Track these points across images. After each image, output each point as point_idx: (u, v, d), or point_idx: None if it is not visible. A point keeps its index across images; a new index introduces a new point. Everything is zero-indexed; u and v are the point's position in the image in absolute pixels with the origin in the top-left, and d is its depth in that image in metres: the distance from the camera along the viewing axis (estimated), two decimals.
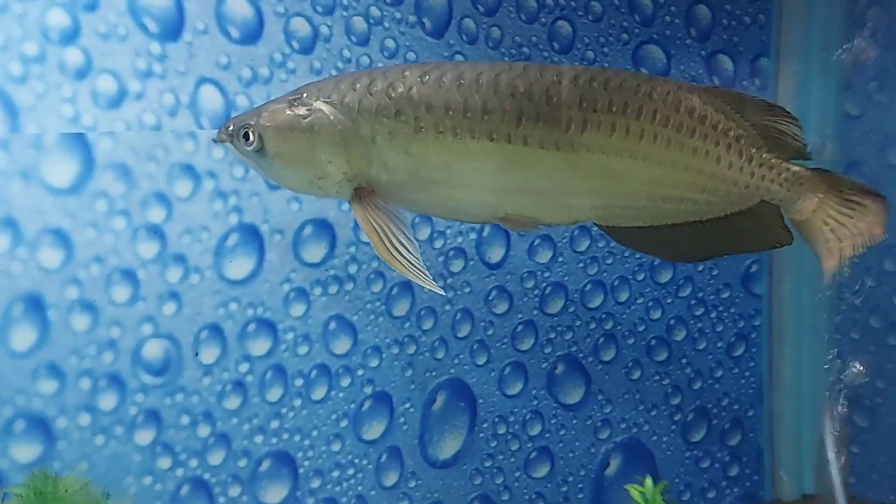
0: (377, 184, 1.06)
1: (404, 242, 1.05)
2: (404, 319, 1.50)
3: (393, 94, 1.04)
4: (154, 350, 1.28)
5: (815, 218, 1.11)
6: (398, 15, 1.46)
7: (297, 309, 1.40)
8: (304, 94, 1.06)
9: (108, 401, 1.24)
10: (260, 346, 1.37)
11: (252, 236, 1.35)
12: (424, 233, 1.51)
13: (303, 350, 1.41)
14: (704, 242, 1.13)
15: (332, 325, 1.44)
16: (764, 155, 1.10)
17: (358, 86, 1.05)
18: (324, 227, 1.42)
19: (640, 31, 1.63)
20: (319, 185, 1.07)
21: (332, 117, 1.04)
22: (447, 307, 1.53)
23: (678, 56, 1.66)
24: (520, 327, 1.58)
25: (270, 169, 1.07)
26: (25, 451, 1.17)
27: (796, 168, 1.11)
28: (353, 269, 1.46)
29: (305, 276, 1.41)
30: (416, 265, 1.05)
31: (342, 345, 1.44)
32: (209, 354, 1.32)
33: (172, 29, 1.27)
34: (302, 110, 1.05)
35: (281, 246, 1.38)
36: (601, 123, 1.04)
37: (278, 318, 1.38)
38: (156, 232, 1.27)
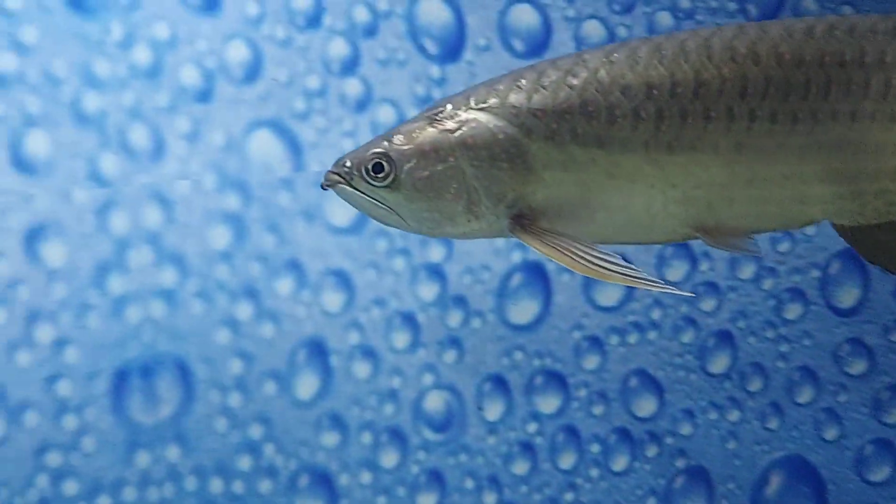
0: (545, 207, 0.94)
1: (602, 254, 0.91)
2: (723, 378, 1.42)
3: (574, 82, 0.91)
4: (435, 402, 1.32)
5: None
6: (714, 3, 1.41)
7: (591, 361, 1.38)
8: (450, 105, 0.96)
9: (389, 457, 1.30)
10: (549, 403, 1.36)
11: (537, 276, 1.36)
12: (747, 272, 1.42)
13: (598, 410, 1.38)
14: None
15: (633, 381, 1.40)
16: None
17: (524, 82, 0.93)
18: None
19: None
20: (469, 219, 0.95)
21: (491, 126, 0.93)
22: (780, 363, 1.43)
23: None
24: (885, 394, 1.43)
25: (406, 208, 0.95)
26: None
27: None
28: (656, 314, 1.41)
29: (599, 321, 1.39)
30: (636, 270, 0.90)
31: (646, 406, 1.40)
32: (493, 410, 1.34)
33: (452, 49, 1.33)
34: (449, 124, 0.94)
35: (570, 287, 1.37)
36: (851, 81, 0.89)
37: (569, 371, 1.37)
38: (435, 272, 1.32)
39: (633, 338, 1.40)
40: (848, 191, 0.91)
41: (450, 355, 1.32)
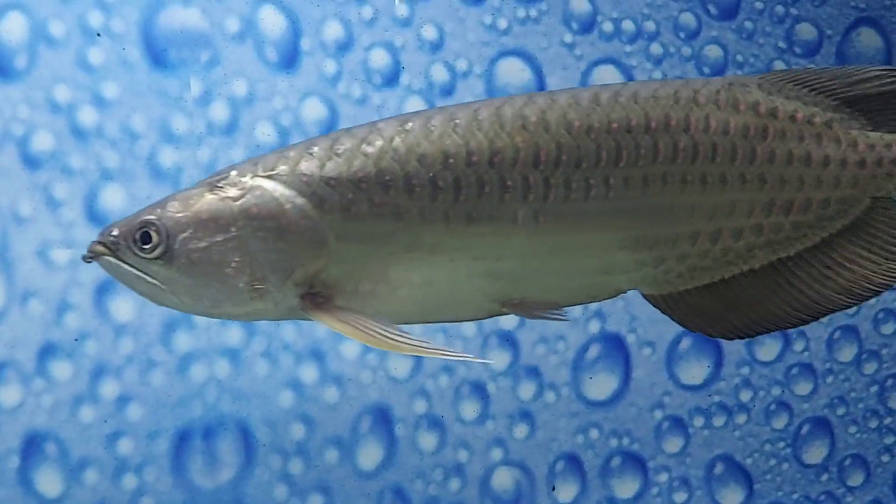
0: (341, 284, 0.96)
1: (399, 332, 0.95)
2: (820, 469, 1.49)
3: (370, 150, 0.95)
4: (504, 480, 1.42)
5: None
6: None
7: (673, 444, 1.47)
8: (234, 172, 0.97)
9: None
10: (626, 487, 1.45)
11: (616, 348, 1.47)
12: (847, 354, 1.50)
13: (680, 497, 1.47)
14: (804, 288, 1.01)
15: (719, 468, 1.48)
16: (870, 134, 1.00)
17: (316, 149, 0.96)
18: (706, 340, 1.49)
19: None
20: (252, 297, 0.95)
21: (278, 195, 0.94)
22: (884, 457, 1.50)
23: None
24: None
25: (180, 284, 0.95)
26: None
27: None
28: (745, 396, 1.50)
29: (683, 401, 1.48)
30: (432, 342, 0.95)
31: (732, 496, 1.48)
32: (566, 491, 1.44)
33: None
34: (232, 191, 0.95)
35: (651, 362, 1.47)
36: (640, 146, 0.97)
37: (649, 454, 1.46)
38: (507, 340, 1.44)
39: (719, 420, 1.49)
40: (650, 257, 0.99)
41: (521, 430, 1.43)
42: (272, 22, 1.37)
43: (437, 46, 1.45)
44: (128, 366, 1.30)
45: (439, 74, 1.45)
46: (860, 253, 1.02)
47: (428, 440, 1.41)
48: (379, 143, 0.95)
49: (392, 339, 0.94)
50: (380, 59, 1.43)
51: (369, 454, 1.39)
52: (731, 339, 1.05)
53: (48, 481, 1.28)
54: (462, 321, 1.07)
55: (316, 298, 0.96)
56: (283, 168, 0.95)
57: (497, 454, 1.43)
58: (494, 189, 0.94)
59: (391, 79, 1.43)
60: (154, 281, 0.95)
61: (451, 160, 0.94)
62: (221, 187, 0.95)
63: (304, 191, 0.94)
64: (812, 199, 1.00)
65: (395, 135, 0.95)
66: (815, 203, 1.01)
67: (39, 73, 1.27)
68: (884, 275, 1.02)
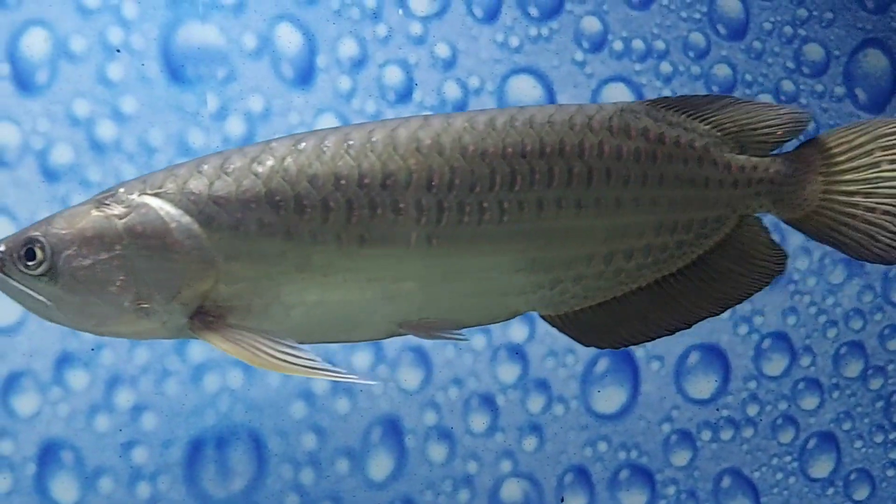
0: (232, 304, 0.95)
1: (290, 348, 0.94)
2: (826, 483, 1.49)
3: (260, 170, 0.94)
4: (513, 491, 1.43)
5: (829, 200, 1.05)
6: (819, 87, 1.54)
7: (680, 457, 1.47)
8: (122, 189, 0.96)
9: None
10: (634, 499, 1.46)
11: (625, 363, 1.47)
12: (853, 370, 1.50)
13: None
14: (683, 301, 1.06)
15: (726, 481, 1.48)
16: (738, 157, 1.06)
17: (206, 167, 0.95)
18: (714, 355, 1.49)
19: None
20: (139, 316, 0.94)
21: (164, 213, 0.93)
22: (890, 472, 1.50)
23: None
24: None
25: (66, 301, 0.93)
26: None
27: (783, 155, 1.07)
28: (752, 410, 1.50)
29: (691, 415, 1.48)
30: (319, 362, 0.93)
31: None
32: (574, 503, 1.44)
33: None
34: (117, 209, 0.94)
35: (660, 376, 1.48)
36: (534, 171, 0.98)
37: (656, 467, 1.46)
38: (517, 353, 1.45)
39: (726, 434, 1.49)
40: (546, 279, 1.01)
41: (530, 442, 1.44)
42: (288, 39, 1.39)
43: (449, 64, 1.46)
44: (143, 375, 1.31)
45: (452, 91, 1.46)
46: (730, 266, 1.07)
47: (438, 451, 1.42)
48: (270, 162, 0.94)
49: (279, 359, 0.92)
50: (394, 76, 1.44)
51: (380, 465, 1.40)
52: (618, 348, 1.09)
53: (64, 489, 1.28)
54: (360, 341, 1.07)
55: (206, 318, 0.95)
56: (170, 186, 0.94)
57: (506, 466, 1.43)
58: (387, 211, 0.94)
59: (404, 95, 1.44)
60: (40, 297, 0.94)
61: (342, 181, 0.94)
62: (108, 205, 0.94)
63: (191, 209, 0.93)
64: (694, 218, 1.05)
65: (286, 155, 0.95)
66: (696, 222, 1.05)
67: (60, 88, 1.29)
68: (749, 285, 1.08)
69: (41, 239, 0.93)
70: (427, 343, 1.42)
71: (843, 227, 1.06)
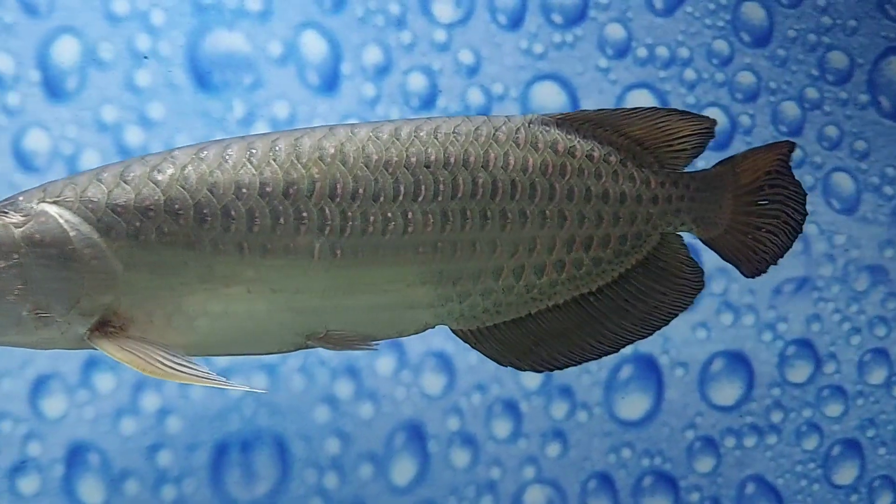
0: (133, 314, 0.93)
1: (182, 360, 0.92)
2: (850, 490, 1.48)
3: (160, 178, 0.92)
4: (536, 497, 1.42)
5: (736, 220, 1.06)
6: (843, 94, 1.52)
7: (704, 464, 1.46)
8: (22, 198, 0.93)
9: None
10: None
11: (649, 369, 1.46)
12: (877, 376, 1.48)
13: None
14: (605, 321, 1.04)
15: (750, 488, 1.47)
16: (658, 171, 1.04)
17: (106, 175, 0.93)
18: (738, 362, 1.48)
19: None
20: (37, 326, 0.91)
21: (63, 221, 0.91)
22: None
23: None
24: None
25: None
26: None
27: (701, 172, 1.07)
28: (776, 417, 1.48)
29: (715, 421, 1.47)
30: (204, 372, 0.91)
31: None
32: None
33: None
34: (15, 217, 0.91)
35: (684, 382, 1.46)
36: (439, 182, 0.96)
37: (680, 473, 1.45)
38: None
39: (750, 441, 1.47)
40: (454, 292, 0.99)
41: (553, 448, 1.43)
42: (314, 47, 1.39)
43: (473, 70, 1.46)
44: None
45: (475, 98, 1.46)
46: (652, 286, 1.06)
47: (461, 457, 1.41)
48: (170, 171, 0.92)
49: (170, 368, 0.90)
50: (417, 82, 1.44)
51: (403, 470, 1.39)
52: (541, 371, 1.06)
53: (91, 491, 1.29)
54: (268, 354, 1.04)
55: (107, 328, 0.93)
56: (69, 194, 0.92)
57: (529, 472, 1.42)
58: (290, 221, 0.93)
59: (428, 102, 1.44)
60: None
61: (244, 190, 0.92)
62: (6, 213, 0.92)
63: (89, 218, 0.91)
64: (610, 234, 1.03)
65: (187, 163, 0.93)
66: (613, 239, 1.03)
67: (88, 95, 1.29)
68: (672, 305, 1.06)
69: None
70: (450, 348, 1.41)
71: (742, 245, 1.07)
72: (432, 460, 1.40)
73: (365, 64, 1.41)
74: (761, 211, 1.07)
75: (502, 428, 1.42)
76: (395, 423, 1.39)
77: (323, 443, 1.36)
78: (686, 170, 1.08)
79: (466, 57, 1.46)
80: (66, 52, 1.29)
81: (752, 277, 1.09)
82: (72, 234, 0.90)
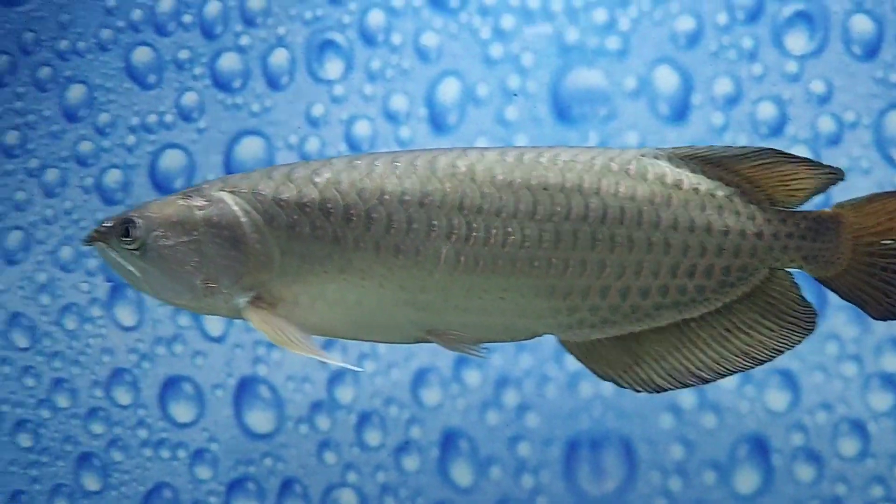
0: (282, 295, 1.06)
1: (306, 339, 1.04)
2: None
3: (318, 181, 1.05)
4: None
5: (857, 261, 1.05)
6: None
7: None
8: (206, 185, 1.10)
9: None
10: None
11: None
12: None
13: None
14: (705, 349, 1.06)
15: None
16: (768, 209, 1.07)
17: (276, 174, 1.08)
18: None
19: None
20: (206, 294, 1.07)
21: (237, 208, 1.06)
22: None
23: None
24: None
25: (150, 274, 1.08)
26: None
27: (816, 212, 1.07)
28: None
29: None
30: (319, 350, 1.04)
31: None
32: None
33: None
34: (199, 201, 1.07)
35: None
36: (554, 204, 1.03)
37: None
38: (890, 382, 1.41)
39: None
40: (564, 306, 1.05)
41: None
42: (667, 80, 1.48)
43: (824, 99, 1.47)
44: (526, 378, 1.45)
45: (826, 125, 1.47)
46: (758, 319, 1.07)
47: (805, 472, 1.41)
48: (327, 175, 1.06)
49: (294, 342, 1.04)
50: (767, 111, 1.48)
51: (746, 480, 1.42)
52: (639, 391, 1.09)
53: (461, 473, 1.45)
54: (391, 343, 1.14)
55: (260, 304, 1.07)
56: (244, 186, 1.07)
57: (877, 491, 1.39)
58: (422, 227, 1.04)
59: (777, 130, 1.47)
60: (132, 269, 1.09)
61: (386, 197, 1.04)
62: (192, 197, 1.08)
63: (258, 208, 1.06)
64: (714, 265, 1.06)
65: (342, 170, 1.06)
66: (717, 269, 1.06)
67: (465, 129, 1.47)
68: (778, 341, 1.07)
69: (137, 220, 1.08)
70: (796, 367, 1.42)
71: (867, 286, 1.06)
72: (776, 473, 1.41)
73: (715, 94, 1.48)
74: (886, 251, 1.06)
75: (849, 447, 1.40)
76: (737, 435, 1.43)
77: (667, 448, 1.43)
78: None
79: (818, 87, 1.48)
80: (449, 91, 1.48)
81: (884, 320, 1.08)
82: (243, 220, 1.06)
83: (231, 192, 1.08)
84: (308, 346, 1.06)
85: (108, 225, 1.10)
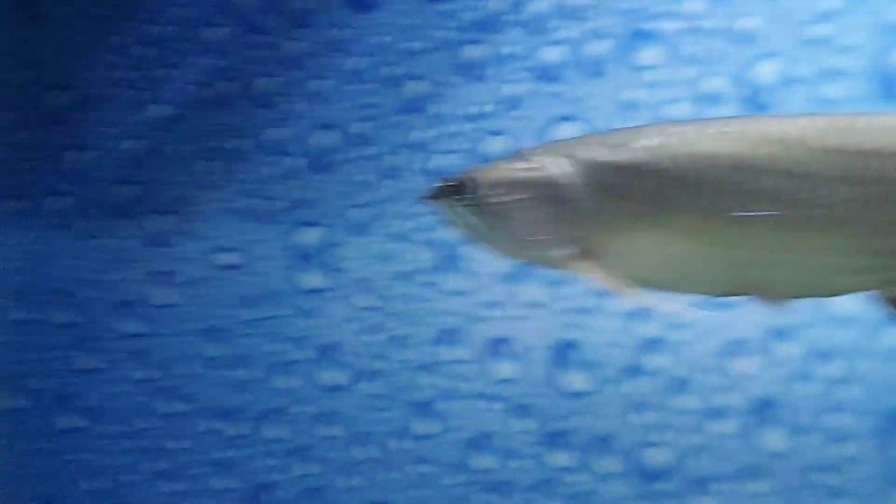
0: (608, 250, 1.09)
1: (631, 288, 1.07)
2: None
3: (648, 145, 1.07)
4: None
5: None
6: None
7: None
8: (542, 149, 1.14)
9: None
10: None
11: None
12: None
13: None
14: None
15: None
16: None
17: (607, 139, 1.11)
18: None
19: None
20: (534, 247, 1.12)
21: (568, 171, 1.09)
22: None
23: None
24: None
25: (484, 229, 1.14)
26: None
27: None
28: None
29: None
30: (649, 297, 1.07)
31: None
32: None
33: None
34: (525, 164, 1.12)
35: None
36: (884, 168, 1.03)
37: None
38: None
39: None
40: (888, 263, 1.06)
41: None
42: None
43: None
44: (840, 353, 1.45)
45: None
46: None
47: None
48: (657, 140, 1.09)
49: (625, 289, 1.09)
50: None
51: None
52: None
53: (772, 440, 1.49)
54: (704, 295, 1.18)
55: (585, 256, 1.12)
56: (574, 151, 1.12)
57: None
58: (749, 190, 1.06)
59: None
60: (469, 223, 1.16)
61: (718, 161, 1.06)
62: (527, 159, 1.14)
63: (585, 171, 1.11)
64: None
65: (673, 135, 1.09)
66: None
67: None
68: None
69: (474, 179, 1.15)
70: None
71: None
72: None
73: None
74: None
75: None
76: None
77: None
78: None
79: None
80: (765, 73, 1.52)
81: None
82: (577, 181, 1.12)
83: (565, 156, 1.15)
84: (636, 292, 1.12)
85: (450, 184, 1.18)
